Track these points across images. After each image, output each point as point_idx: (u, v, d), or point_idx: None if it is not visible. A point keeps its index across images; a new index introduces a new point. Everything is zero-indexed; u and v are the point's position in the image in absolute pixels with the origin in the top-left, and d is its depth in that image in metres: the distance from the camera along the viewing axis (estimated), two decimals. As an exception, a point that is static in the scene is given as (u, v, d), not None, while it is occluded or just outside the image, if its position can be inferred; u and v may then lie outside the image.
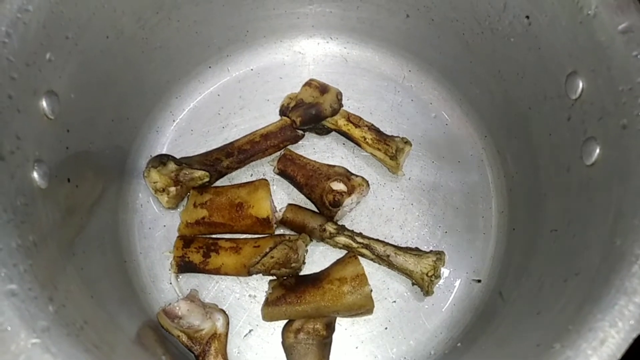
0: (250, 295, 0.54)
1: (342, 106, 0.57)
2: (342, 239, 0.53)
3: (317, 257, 0.55)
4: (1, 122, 0.34)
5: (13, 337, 0.29)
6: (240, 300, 0.54)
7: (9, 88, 0.35)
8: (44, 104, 0.39)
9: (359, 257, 0.52)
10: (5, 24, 0.35)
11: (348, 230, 0.53)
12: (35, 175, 0.37)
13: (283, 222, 0.54)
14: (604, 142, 0.38)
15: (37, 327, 0.30)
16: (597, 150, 0.38)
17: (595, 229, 0.37)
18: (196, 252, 0.52)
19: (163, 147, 0.58)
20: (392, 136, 0.56)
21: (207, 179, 0.54)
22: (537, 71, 0.46)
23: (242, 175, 0.57)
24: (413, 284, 0.53)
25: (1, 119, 0.34)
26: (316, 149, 0.58)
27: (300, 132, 0.56)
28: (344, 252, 0.54)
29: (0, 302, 0.29)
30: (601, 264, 0.33)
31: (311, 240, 0.54)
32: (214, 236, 0.54)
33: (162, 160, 0.54)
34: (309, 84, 0.57)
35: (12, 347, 0.28)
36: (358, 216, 0.56)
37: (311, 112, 0.54)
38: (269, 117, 0.59)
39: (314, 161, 0.56)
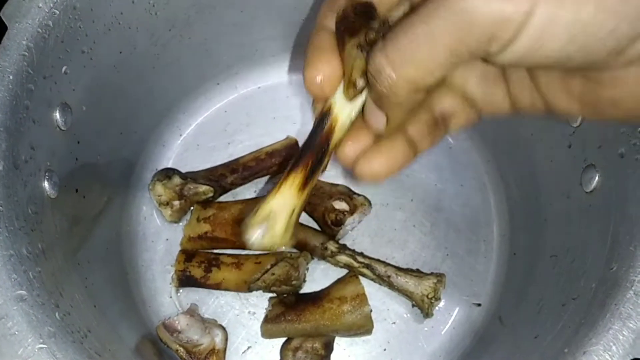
0: (249, 312, 0.54)
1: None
2: (343, 258, 0.53)
3: (318, 276, 0.55)
4: (17, 132, 0.35)
5: (21, 341, 0.30)
6: (240, 316, 0.54)
7: (26, 99, 0.36)
8: (57, 115, 0.40)
9: (360, 277, 0.53)
10: (26, 37, 0.37)
11: (349, 249, 0.54)
12: (46, 184, 0.38)
13: (285, 239, 0.55)
14: (603, 170, 0.39)
15: (44, 333, 0.31)
16: (596, 178, 0.39)
17: (593, 255, 0.37)
18: (198, 266, 0.53)
19: (169, 161, 0.59)
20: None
21: (211, 194, 0.55)
22: (539, 99, 0.47)
23: (246, 192, 0.58)
24: (413, 305, 0.53)
25: (18, 128, 0.35)
26: (320, 168, 0.59)
27: (305, 151, 0.57)
28: (344, 271, 0.54)
29: (10, 306, 0.30)
30: (597, 289, 0.34)
31: (312, 259, 0.54)
32: (215, 251, 0.55)
33: (167, 174, 0.54)
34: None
35: (19, 350, 0.29)
36: (360, 236, 0.57)
37: None
38: (274, 134, 0.60)
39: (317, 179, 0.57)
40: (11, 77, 0.36)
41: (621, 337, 0.30)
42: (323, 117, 0.29)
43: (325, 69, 0.28)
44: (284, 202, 0.30)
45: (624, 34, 0.22)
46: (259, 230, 0.30)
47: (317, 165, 0.30)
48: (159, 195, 0.54)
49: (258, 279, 0.52)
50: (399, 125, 0.29)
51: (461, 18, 0.22)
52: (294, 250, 0.55)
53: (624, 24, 0.22)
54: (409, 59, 0.24)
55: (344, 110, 0.29)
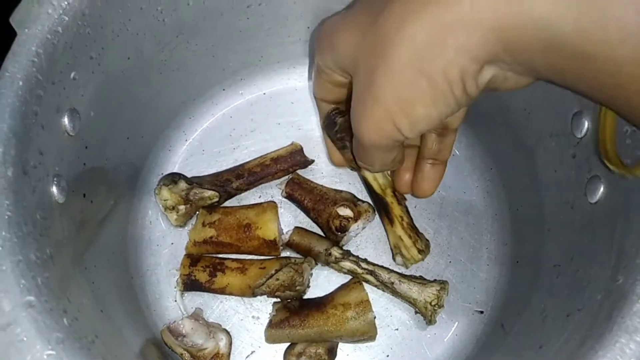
0: (253, 317, 0.54)
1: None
2: (347, 264, 0.53)
3: (321, 281, 0.55)
4: (26, 138, 0.35)
5: (29, 347, 0.30)
6: (244, 321, 0.54)
7: (35, 105, 0.36)
8: (65, 121, 0.40)
9: (363, 283, 0.53)
10: (36, 44, 0.37)
11: (353, 255, 0.54)
12: (54, 189, 0.38)
13: (289, 245, 0.55)
14: (608, 181, 0.39)
15: (52, 339, 0.30)
16: (601, 189, 0.39)
17: (597, 266, 0.37)
18: (202, 270, 0.53)
19: (174, 166, 0.60)
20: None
21: (216, 199, 0.55)
22: (544, 108, 0.47)
23: (251, 197, 0.58)
24: (416, 312, 0.54)
25: (26, 134, 0.35)
26: (324, 174, 0.59)
27: (310, 158, 0.58)
28: (348, 277, 0.55)
29: (19, 313, 0.30)
30: (603, 301, 0.34)
31: (316, 264, 0.54)
32: (220, 256, 0.55)
33: (173, 178, 0.55)
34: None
35: (27, 357, 0.29)
36: (363, 242, 0.57)
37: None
38: (279, 140, 0.60)
39: (322, 186, 0.57)
40: (20, 83, 0.36)
41: (628, 351, 0.30)
42: (362, 181, 0.54)
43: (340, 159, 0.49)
44: (393, 237, 0.53)
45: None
46: (400, 258, 0.52)
47: (386, 207, 0.52)
48: (164, 200, 0.54)
49: (262, 284, 0.52)
50: (401, 161, 0.44)
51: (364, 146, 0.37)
52: (298, 256, 0.55)
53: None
54: (364, 161, 0.41)
55: (368, 174, 0.52)
